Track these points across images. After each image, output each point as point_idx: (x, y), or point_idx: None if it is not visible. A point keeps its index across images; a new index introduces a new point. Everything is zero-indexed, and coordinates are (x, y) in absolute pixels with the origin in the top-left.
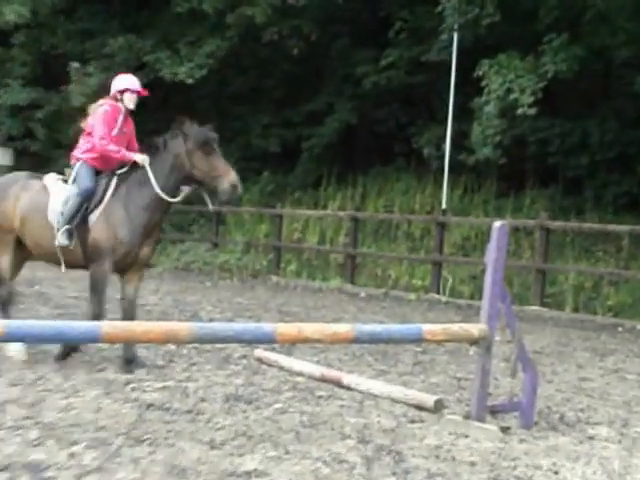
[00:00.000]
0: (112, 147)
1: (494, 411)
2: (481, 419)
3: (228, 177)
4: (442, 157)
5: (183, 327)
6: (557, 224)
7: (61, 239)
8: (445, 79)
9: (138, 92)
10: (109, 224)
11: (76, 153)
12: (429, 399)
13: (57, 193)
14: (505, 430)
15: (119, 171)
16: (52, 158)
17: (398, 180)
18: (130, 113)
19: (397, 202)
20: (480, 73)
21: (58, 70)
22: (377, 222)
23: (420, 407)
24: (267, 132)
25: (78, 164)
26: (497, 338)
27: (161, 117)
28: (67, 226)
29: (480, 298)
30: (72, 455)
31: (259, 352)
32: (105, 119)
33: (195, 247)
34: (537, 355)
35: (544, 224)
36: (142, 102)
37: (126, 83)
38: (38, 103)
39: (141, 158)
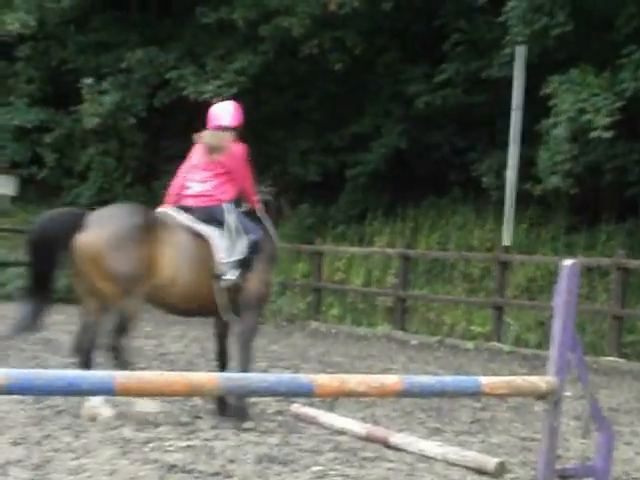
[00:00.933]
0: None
1: (564, 476)
2: None
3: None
4: (504, 187)
5: (209, 378)
6: (636, 263)
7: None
8: (508, 98)
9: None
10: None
11: (218, 194)
12: (490, 461)
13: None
14: None
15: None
16: (62, 187)
17: (454, 213)
18: None
19: (453, 238)
20: (548, 91)
21: (69, 88)
22: (430, 261)
23: (480, 471)
24: (306, 159)
25: (233, 209)
26: (567, 393)
27: (185, 143)
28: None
29: (548, 348)
30: None
31: (296, 407)
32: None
33: None
34: (613, 413)
35: (621, 263)
36: (165, 125)
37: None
38: (47, 125)
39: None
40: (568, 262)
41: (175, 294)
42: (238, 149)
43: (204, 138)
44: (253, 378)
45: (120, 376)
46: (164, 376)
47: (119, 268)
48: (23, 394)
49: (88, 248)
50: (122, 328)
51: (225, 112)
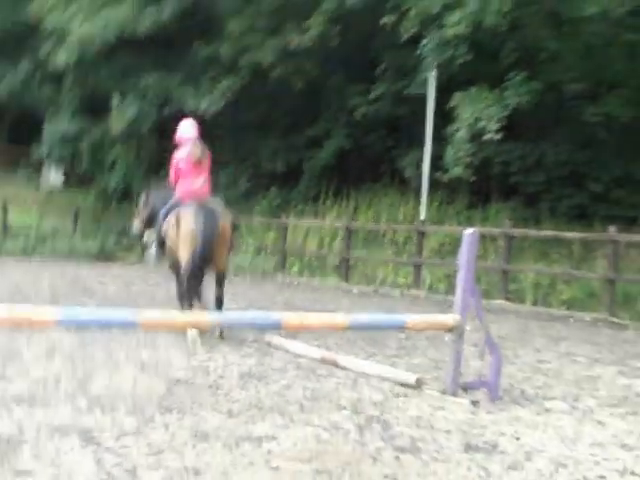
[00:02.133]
0: None
1: (465, 387)
2: (455, 394)
3: None
4: (421, 175)
5: (206, 316)
6: (518, 231)
7: None
8: (424, 109)
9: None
10: None
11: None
12: (411, 377)
13: None
14: (475, 403)
15: None
16: (96, 175)
17: (384, 195)
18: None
19: (383, 214)
20: (453, 104)
21: (101, 103)
22: (367, 231)
23: (404, 384)
24: (275, 155)
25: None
26: (468, 327)
27: None
28: None
29: (454, 294)
30: (114, 420)
31: (268, 337)
32: None
33: None
34: (501, 340)
35: (507, 232)
36: (169, 129)
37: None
38: (85, 131)
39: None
40: (469, 231)
41: None
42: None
43: (195, 150)
44: (238, 316)
45: (141, 315)
46: (173, 315)
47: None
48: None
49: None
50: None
51: (192, 127)
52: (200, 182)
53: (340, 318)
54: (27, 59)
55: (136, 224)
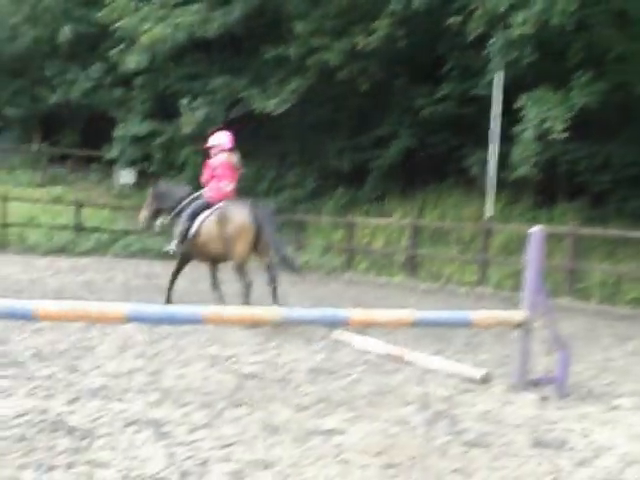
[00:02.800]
0: None
1: (533, 384)
2: (523, 390)
3: None
4: (487, 175)
5: (272, 312)
6: (585, 230)
7: None
8: (489, 109)
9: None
10: None
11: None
12: (479, 372)
13: None
14: (543, 400)
15: None
16: (166, 176)
17: (450, 195)
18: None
19: (449, 212)
20: (519, 105)
21: (171, 106)
22: (433, 229)
23: (471, 380)
24: (341, 155)
25: None
26: (535, 324)
27: (254, 143)
28: None
29: (520, 291)
30: (185, 414)
31: (336, 333)
32: None
33: None
34: (568, 339)
35: (574, 231)
36: (237, 131)
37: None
38: (155, 133)
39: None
40: (535, 229)
41: None
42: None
43: (232, 158)
44: (306, 313)
45: (205, 310)
46: (237, 310)
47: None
48: (140, 322)
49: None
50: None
51: (228, 138)
52: (232, 187)
53: (406, 314)
54: (98, 63)
55: (143, 215)
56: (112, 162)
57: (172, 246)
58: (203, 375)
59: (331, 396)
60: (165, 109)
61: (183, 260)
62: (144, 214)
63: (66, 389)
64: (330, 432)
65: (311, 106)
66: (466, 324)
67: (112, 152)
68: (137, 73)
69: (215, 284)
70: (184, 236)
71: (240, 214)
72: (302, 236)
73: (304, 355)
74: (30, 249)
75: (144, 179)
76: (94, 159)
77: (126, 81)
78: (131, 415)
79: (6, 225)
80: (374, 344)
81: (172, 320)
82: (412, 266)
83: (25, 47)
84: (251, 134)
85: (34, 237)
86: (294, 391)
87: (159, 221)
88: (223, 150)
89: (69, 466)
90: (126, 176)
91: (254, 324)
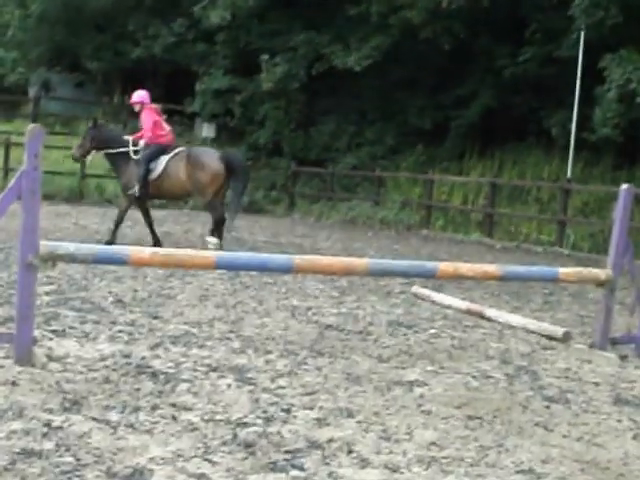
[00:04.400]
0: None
1: (614, 342)
2: (603, 348)
3: None
4: (567, 135)
5: (361, 262)
6: None
7: None
8: (572, 70)
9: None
10: None
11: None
12: (559, 330)
13: None
14: (623, 358)
15: None
16: (246, 132)
17: (529, 155)
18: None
19: (528, 172)
20: (603, 65)
21: (252, 62)
22: (511, 187)
23: (551, 337)
24: (422, 113)
25: None
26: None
27: (334, 100)
28: None
29: (597, 253)
30: (267, 362)
31: (415, 288)
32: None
33: (359, 204)
34: None
35: None
36: (317, 87)
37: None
38: (236, 88)
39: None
40: (625, 186)
41: None
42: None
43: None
44: (395, 264)
45: (298, 259)
46: (325, 260)
47: None
48: (228, 269)
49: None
50: None
51: (147, 94)
52: (169, 130)
53: (493, 268)
54: (181, 18)
55: (76, 150)
56: (193, 116)
57: (135, 189)
58: (284, 325)
59: (411, 349)
60: (246, 65)
61: (138, 200)
62: (79, 150)
63: (149, 335)
64: (412, 383)
65: (393, 64)
66: (553, 279)
67: (194, 106)
68: (219, 29)
69: (151, 226)
70: (144, 178)
71: (215, 161)
72: (380, 192)
73: (383, 309)
74: (107, 201)
75: (225, 133)
76: (176, 112)
77: (208, 37)
78: (214, 362)
79: (85, 176)
80: (453, 300)
81: (264, 268)
82: (489, 224)
83: (109, 2)
84: (332, 91)
85: (112, 188)
86: (375, 343)
87: (90, 157)
88: (146, 104)
89: (153, 408)
90: (207, 130)
91: (345, 273)
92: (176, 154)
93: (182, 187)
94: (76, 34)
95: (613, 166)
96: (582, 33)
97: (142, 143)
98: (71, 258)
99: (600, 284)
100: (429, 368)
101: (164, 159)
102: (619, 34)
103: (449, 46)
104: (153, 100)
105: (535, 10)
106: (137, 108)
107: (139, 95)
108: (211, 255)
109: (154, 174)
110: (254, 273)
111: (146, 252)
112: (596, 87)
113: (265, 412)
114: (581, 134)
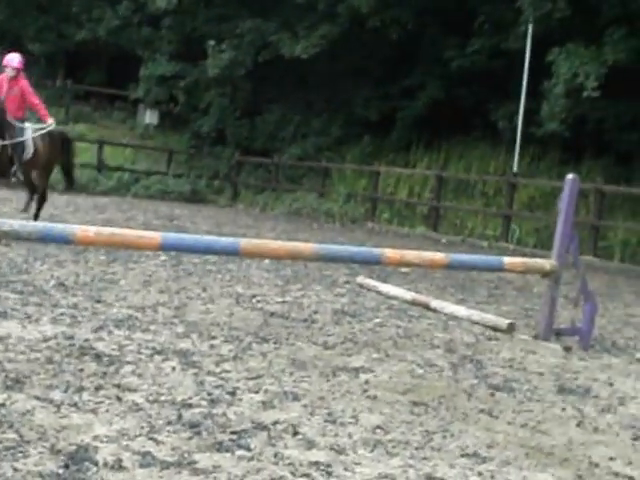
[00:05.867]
0: None
1: (558, 334)
2: (547, 339)
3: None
4: (514, 129)
5: (307, 247)
6: (609, 188)
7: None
8: (520, 64)
9: (14, 67)
10: None
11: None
12: (503, 322)
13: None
14: (567, 349)
15: None
16: (190, 119)
17: (476, 147)
18: (20, 77)
19: (474, 165)
20: (551, 59)
21: (197, 48)
22: (457, 181)
23: (495, 328)
24: (368, 103)
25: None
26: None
27: (280, 89)
28: None
29: (542, 248)
30: (212, 346)
31: (360, 279)
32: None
33: (304, 196)
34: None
35: (599, 187)
36: (263, 75)
37: (6, 60)
38: (180, 74)
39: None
40: (570, 176)
41: None
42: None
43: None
44: (341, 249)
45: (244, 242)
46: (272, 243)
47: None
48: (174, 250)
49: None
50: None
51: (15, 58)
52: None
53: (440, 256)
54: (127, 1)
55: None
56: (136, 102)
57: (18, 174)
58: (228, 311)
59: (357, 337)
60: (192, 51)
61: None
62: None
63: (92, 318)
64: (357, 370)
65: (340, 53)
66: (498, 269)
67: (137, 92)
68: (165, 13)
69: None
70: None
71: (56, 139)
72: (326, 183)
73: (328, 298)
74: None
75: (168, 120)
76: (118, 98)
77: (154, 21)
78: (158, 345)
79: None
80: (398, 291)
81: (210, 250)
82: (435, 218)
83: None
84: (278, 80)
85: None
86: (320, 330)
87: None
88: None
89: (97, 389)
90: (150, 116)
91: (292, 258)
92: (38, 130)
93: (44, 164)
94: (18, 15)
95: (559, 161)
96: (530, 26)
97: (50, 121)
98: (15, 235)
99: (545, 274)
100: (374, 356)
101: (28, 137)
102: (567, 28)
103: (397, 36)
104: (97, 84)
105: (483, 1)
106: (14, 74)
107: (21, 60)
108: (156, 236)
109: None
110: (197, 260)
111: (91, 231)
112: (543, 81)
113: (210, 394)
114: (528, 128)
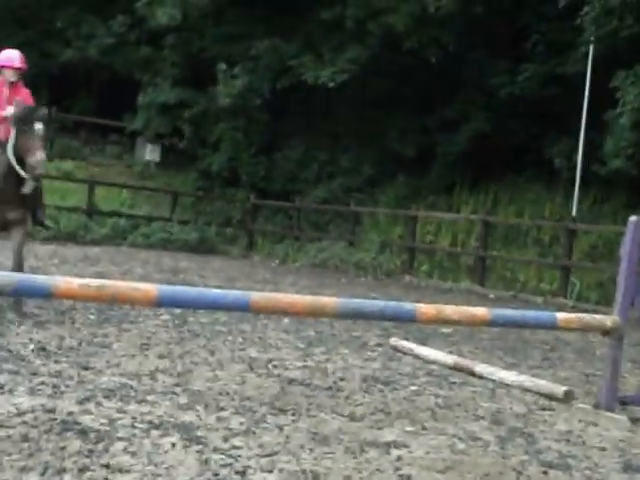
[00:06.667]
0: None
1: (623, 402)
2: (610, 409)
3: (35, 155)
4: (573, 168)
5: (329, 301)
6: None
7: None
8: (579, 91)
9: (16, 68)
10: None
11: None
12: (559, 389)
13: None
14: (635, 421)
15: None
16: (197, 156)
17: (529, 189)
18: (24, 84)
19: (527, 209)
20: (616, 84)
21: (206, 71)
22: (507, 227)
23: (550, 397)
24: (403, 137)
25: None
26: (625, 341)
27: (302, 121)
28: None
29: (607, 304)
30: (220, 419)
31: (394, 340)
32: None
33: (332, 245)
34: None
35: None
36: (283, 105)
37: (3, 59)
38: (186, 103)
39: (6, 112)
40: (634, 218)
41: None
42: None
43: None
44: (368, 304)
45: (256, 295)
46: (287, 297)
47: None
48: (171, 306)
49: None
50: None
51: (16, 57)
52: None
53: (482, 312)
54: (122, 15)
55: None
56: (134, 135)
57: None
58: (240, 378)
59: (389, 407)
60: (199, 75)
61: None
62: None
63: (77, 388)
64: (389, 445)
65: (371, 79)
66: (551, 326)
67: (135, 123)
68: (168, 30)
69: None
70: None
71: None
72: (356, 230)
73: (356, 362)
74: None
75: (172, 156)
76: (113, 130)
77: (154, 39)
78: (156, 418)
79: None
80: (438, 354)
81: (215, 305)
82: (481, 270)
83: None
84: (300, 110)
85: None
86: (346, 400)
87: None
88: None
89: (82, 470)
90: (151, 152)
91: (312, 314)
92: None
93: None
94: None
95: (626, 203)
96: (591, 47)
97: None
98: None
99: (605, 332)
100: (409, 428)
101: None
102: (635, 47)
103: (436, 59)
104: (87, 113)
105: (537, 19)
106: (15, 78)
107: (22, 58)
108: (152, 288)
109: None
110: (205, 320)
111: (75, 283)
112: (607, 111)
113: (216, 475)
114: (589, 166)
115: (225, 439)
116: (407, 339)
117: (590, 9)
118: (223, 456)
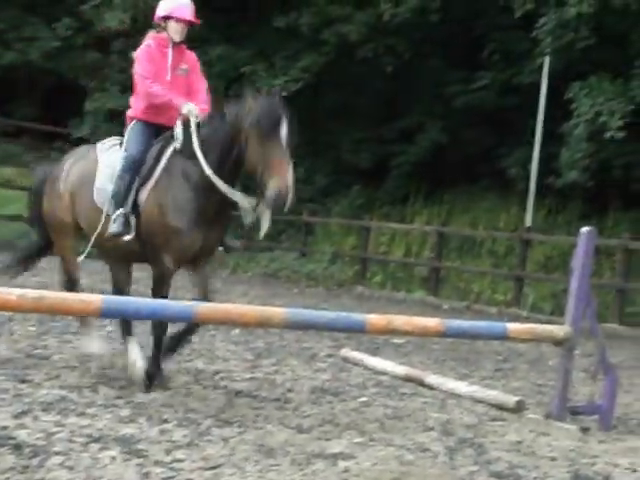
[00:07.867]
0: (156, 88)
1: (574, 412)
2: (561, 419)
3: (278, 179)
4: (528, 178)
5: (278, 312)
6: (638, 244)
7: (112, 227)
8: (535, 101)
9: (187, 21)
10: (160, 207)
11: (129, 112)
12: (510, 399)
13: (105, 164)
14: (585, 430)
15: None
16: None
17: (483, 199)
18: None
19: (482, 219)
20: (570, 95)
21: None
22: (462, 238)
23: (501, 407)
24: (358, 147)
25: (130, 125)
26: (576, 351)
27: None
28: (119, 210)
29: (561, 315)
30: (163, 432)
31: (345, 351)
32: (147, 56)
33: (283, 255)
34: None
35: (625, 245)
36: None
37: (170, 7)
38: None
39: (187, 108)
40: (585, 229)
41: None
42: (142, 47)
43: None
44: (317, 315)
45: (201, 306)
46: (237, 308)
47: None
48: (116, 317)
49: None
50: None
51: (188, 6)
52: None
53: (434, 323)
54: (68, 18)
55: None
56: (80, 141)
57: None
58: (185, 391)
59: (337, 418)
60: None
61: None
62: None
63: (13, 401)
64: (336, 456)
65: (325, 88)
66: (502, 337)
67: (81, 129)
68: (117, 35)
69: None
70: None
71: None
72: (308, 241)
73: (306, 374)
74: None
75: None
76: (58, 136)
77: (102, 44)
78: (95, 431)
79: None
80: (389, 365)
81: (158, 315)
82: (435, 281)
83: None
84: None
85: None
86: (293, 412)
87: None
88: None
89: None
90: None
91: (259, 325)
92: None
93: None
94: None
95: (581, 214)
96: (547, 58)
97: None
98: None
99: (557, 343)
100: (357, 440)
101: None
102: (590, 59)
103: (392, 68)
104: (31, 118)
105: (493, 29)
106: (182, 38)
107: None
108: (96, 299)
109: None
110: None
111: (14, 294)
112: (562, 122)
113: None
114: (544, 177)
115: (167, 452)
116: (359, 350)
117: (546, 21)
118: (164, 469)
